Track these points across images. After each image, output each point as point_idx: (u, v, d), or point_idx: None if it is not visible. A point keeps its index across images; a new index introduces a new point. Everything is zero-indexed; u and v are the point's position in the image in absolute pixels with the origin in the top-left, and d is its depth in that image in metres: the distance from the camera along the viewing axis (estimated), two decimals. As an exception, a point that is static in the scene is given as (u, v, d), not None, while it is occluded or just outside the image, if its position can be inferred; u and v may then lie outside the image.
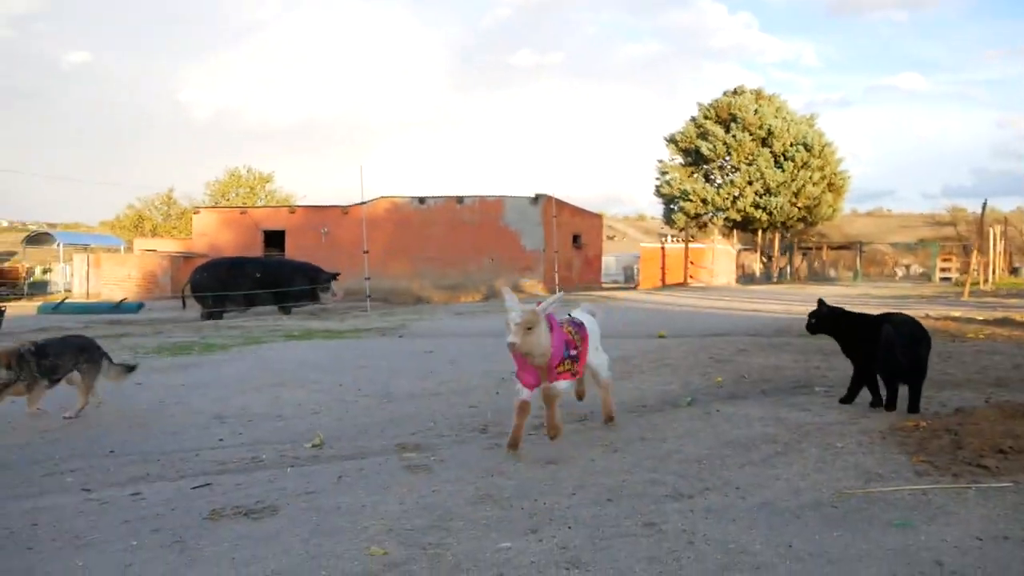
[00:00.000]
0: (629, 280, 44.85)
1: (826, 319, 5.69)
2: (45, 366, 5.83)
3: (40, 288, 33.89)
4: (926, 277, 40.69)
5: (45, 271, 37.09)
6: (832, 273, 45.85)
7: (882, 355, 5.20)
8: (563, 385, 4.63)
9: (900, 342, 5.13)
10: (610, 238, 58.51)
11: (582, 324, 4.92)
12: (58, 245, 39.29)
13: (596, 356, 5.05)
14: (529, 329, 4.31)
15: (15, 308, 19.26)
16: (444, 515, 3.53)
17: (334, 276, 19.75)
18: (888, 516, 3.34)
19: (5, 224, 68.53)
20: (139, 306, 21.90)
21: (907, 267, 48.07)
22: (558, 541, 3.15)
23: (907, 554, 2.94)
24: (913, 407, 5.19)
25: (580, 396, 5.44)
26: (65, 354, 6.03)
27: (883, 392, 5.43)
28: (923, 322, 5.98)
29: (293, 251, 29.53)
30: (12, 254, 43.05)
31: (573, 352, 4.64)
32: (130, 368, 6.66)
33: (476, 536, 3.24)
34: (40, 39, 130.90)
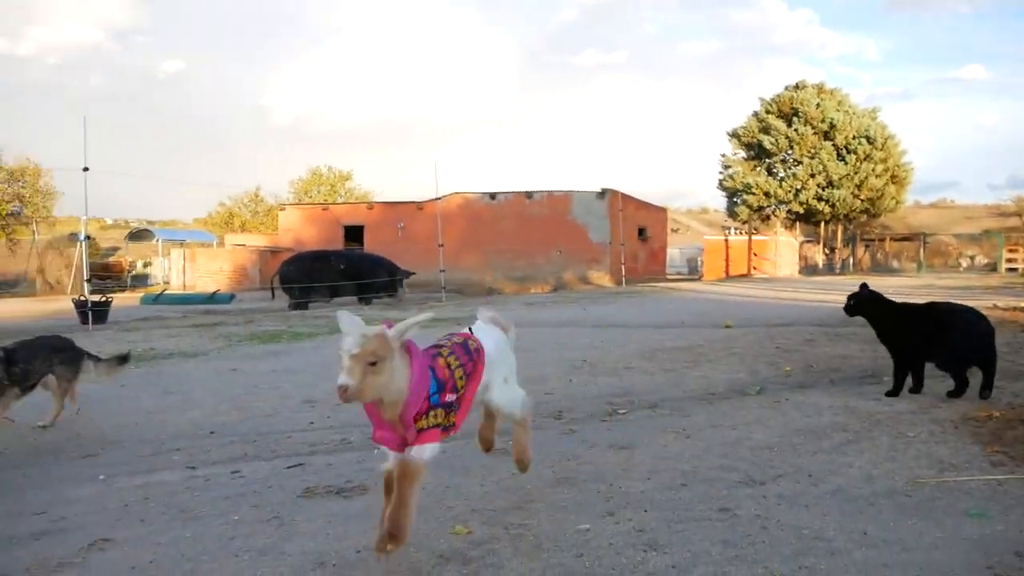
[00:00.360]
0: (693, 272, 44.96)
1: (865, 303, 5.63)
2: (15, 373, 5.31)
3: (141, 280, 35.55)
4: (991, 268, 39.35)
5: (146, 265, 38.83)
6: (895, 264, 44.98)
7: (962, 342, 5.15)
8: (427, 452, 2.96)
9: (981, 330, 5.12)
10: (674, 231, 58.19)
11: (480, 349, 3.31)
12: (157, 241, 41.05)
13: (504, 392, 3.47)
14: (373, 364, 2.76)
15: (120, 299, 20.27)
16: (524, 497, 3.67)
17: (409, 275, 20.48)
18: (963, 505, 3.33)
19: (109, 222, 71.89)
20: (231, 297, 22.80)
21: (972, 258, 46.82)
22: (635, 524, 3.24)
23: (984, 544, 2.93)
24: (987, 390, 5.16)
25: (488, 444, 3.83)
26: (37, 358, 5.50)
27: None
28: (992, 312, 5.88)
29: (372, 245, 30.26)
30: (116, 249, 45.16)
31: (451, 398, 3.03)
32: (123, 359, 6.18)
33: (556, 518, 3.36)
34: (140, 50, 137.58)
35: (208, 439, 5.23)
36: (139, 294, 26.00)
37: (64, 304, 18.72)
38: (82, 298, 15.67)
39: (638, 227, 33.56)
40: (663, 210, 39.23)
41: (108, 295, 17.24)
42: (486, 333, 3.49)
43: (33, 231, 33.54)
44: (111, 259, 39.87)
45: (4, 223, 33.65)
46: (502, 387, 3.48)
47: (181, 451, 4.92)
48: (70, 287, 27.04)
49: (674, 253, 47.84)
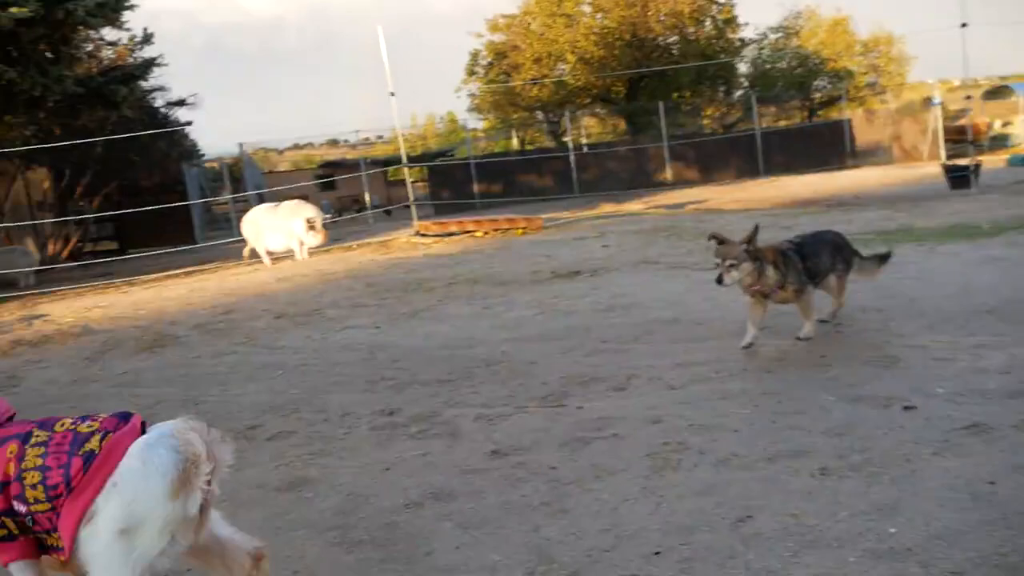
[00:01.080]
0: None
1: None
2: (808, 268, 5.08)
3: (1000, 142, 33.18)
4: None
5: (1004, 125, 35.93)
6: None
7: None
8: None
9: None
10: None
11: (111, 450, 2.06)
12: (1016, 98, 37.46)
13: (99, 555, 2.00)
14: None
15: (985, 161, 19.03)
16: None
17: None
18: None
19: (956, 83, 69.12)
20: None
21: None
22: None
23: None
24: None
25: None
26: (823, 254, 5.23)
27: None
28: None
29: None
30: (965, 111, 43.09)
31: (19, 508, 2.08)
32: (883, 257, 5.57)
33: None
34: None
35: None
36: (1001, 156, 24.20)
37: (926, 170, 18.59)
38: (954, 163, 15.17)
39: None
40: None
41: (976, 158, 16.21)
42: (158, 442, 2.09)
43: (884, 100, 34.18)
44: (963, 120, 38.09)
45: (861, 95, 34.85)
46: (97, 542, 2.01)
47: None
48: (925, 153, 27.07)
49: None
